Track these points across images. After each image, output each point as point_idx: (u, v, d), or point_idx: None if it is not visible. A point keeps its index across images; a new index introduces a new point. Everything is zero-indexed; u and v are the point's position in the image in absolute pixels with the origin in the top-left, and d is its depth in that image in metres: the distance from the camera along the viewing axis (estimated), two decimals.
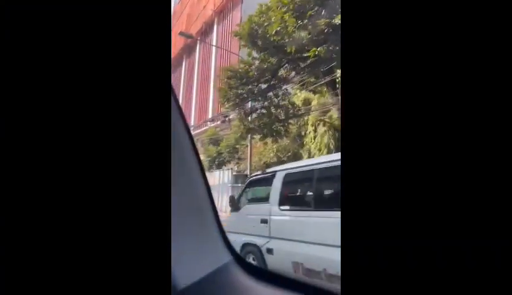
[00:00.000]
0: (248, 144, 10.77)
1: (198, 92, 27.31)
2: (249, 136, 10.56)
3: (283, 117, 9.39)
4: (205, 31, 27.48)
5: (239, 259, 0.76)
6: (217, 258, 0.73)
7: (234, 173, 16.13)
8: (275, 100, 9.23)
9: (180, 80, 31.83)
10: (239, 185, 16.25)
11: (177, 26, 32.20)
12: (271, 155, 12.98)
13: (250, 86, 8.47)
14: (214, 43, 25.55)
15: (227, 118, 10.87)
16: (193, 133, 19.99)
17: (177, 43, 32.99)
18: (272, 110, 9.23)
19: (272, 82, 8.58)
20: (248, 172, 10.47)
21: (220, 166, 17.65)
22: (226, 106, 8.63)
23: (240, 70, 8.46)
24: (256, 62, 8.35)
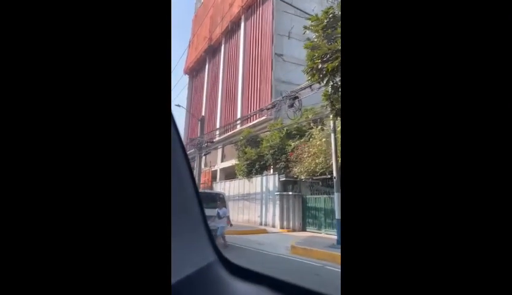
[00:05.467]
0: (332, 135, 7.35)
1: (224, 94, 24.41)
2: (333, 122, 7.24)
3: None
4: (232, 30, 24.80)
5: (222, 259, 0.76)
6: (203, 257, 0.74)
7: (282, 179, 12.78)
8: None
9: (203, 83, 29.12)
10: (290, 193, 12.24)
11: (200, 30, 29.79)
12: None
13: None
14: (242, 41, 22.77)
15: (297, 101, 7.55)
16: (219, 137, 16.67)
17: (199, 46, 30.54)
18: None
19: None
20: (335, 173, 7.03)
21: (261, 171, 14.32)
22: (328, 68, 5.32)
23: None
24: None
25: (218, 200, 7.85)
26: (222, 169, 20.74)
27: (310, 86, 7.03)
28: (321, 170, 9.87)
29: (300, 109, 7.80)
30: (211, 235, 0.77)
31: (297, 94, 7.58)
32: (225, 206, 7.73)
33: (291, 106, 7.72)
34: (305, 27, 5.81)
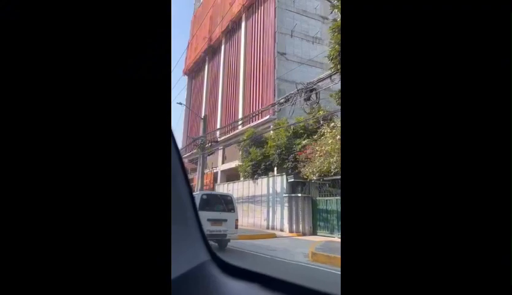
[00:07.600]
0: None
1: (225, 95, 23.68)
2: None
3: None
4: (232, 30, 24.15)
5: (215, 258, 0.77)
6: (196, 257, 0.75)
7: (291, 180, 12.04)
8: None
9: (203, 84, 28.38)
10: (299, 195, 11.35)
11: (200, 30, 29.11)
12: None
13: None
14: (243, 40, 22.12)
15: (315, 94, 6.85)
16: (220, 138, 15.88)
17: (198, 46, 29.83)
18: None
19: None
20: None
21: (266, 172, 13.56)
22: None
23: None
24: None
25: (226, 202, 7.16)
26: (223, 171, 19.97)
27: (330, 76, 6.33)
28: (336, 170, 9.14)
29: (318, 102, 7.08)
30: (204, 236, 0.78)
31: (314, 87, 6.87)
32: (233, 209, 7.01)
33: (308, 98, 6.99)
34: (332, 7, 5.11)
